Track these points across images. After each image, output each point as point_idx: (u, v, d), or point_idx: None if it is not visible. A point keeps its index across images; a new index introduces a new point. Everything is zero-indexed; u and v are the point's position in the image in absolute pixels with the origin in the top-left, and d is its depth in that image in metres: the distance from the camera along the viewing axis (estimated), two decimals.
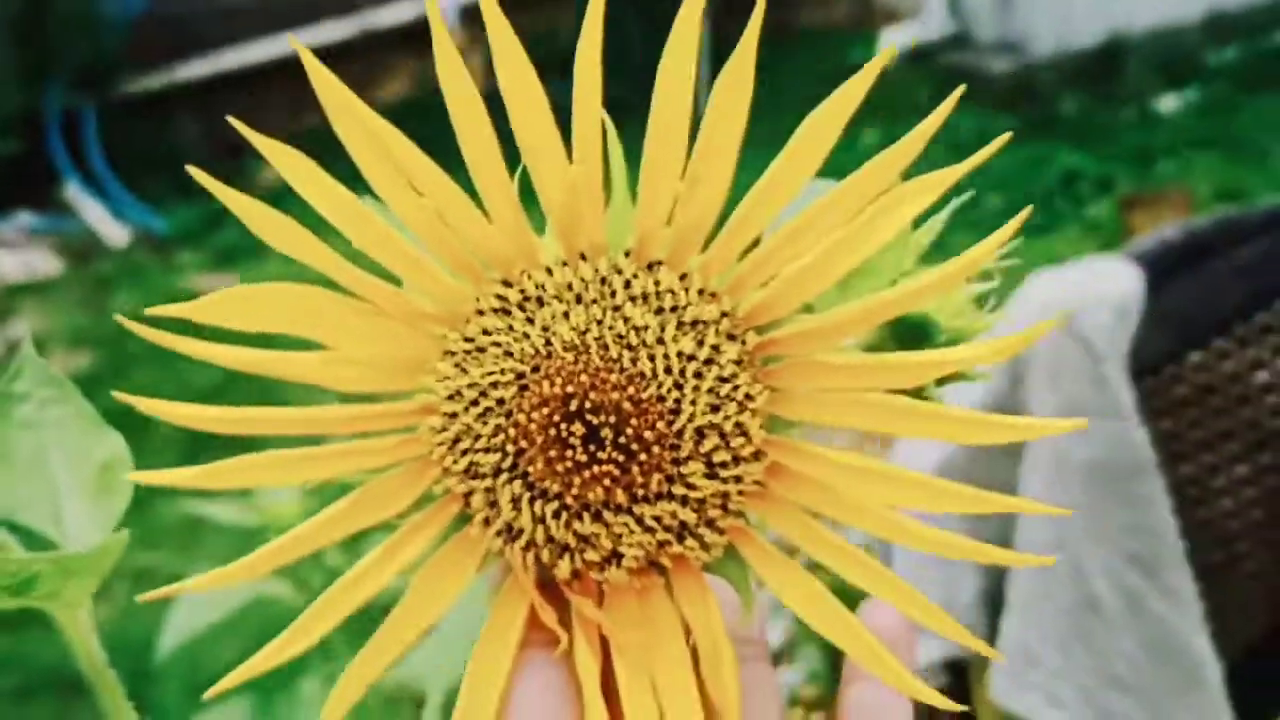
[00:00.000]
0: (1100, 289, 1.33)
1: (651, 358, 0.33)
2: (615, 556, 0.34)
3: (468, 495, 0.35)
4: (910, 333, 0.40)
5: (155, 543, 2.57)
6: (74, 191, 5.61)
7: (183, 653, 2.61)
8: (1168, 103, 4.62)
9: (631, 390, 0.33)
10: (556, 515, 0.34)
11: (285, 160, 0.34)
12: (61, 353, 4.16)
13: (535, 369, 0.33)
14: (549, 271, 0.34)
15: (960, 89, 0.33)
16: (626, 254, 0.34)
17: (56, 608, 0.50)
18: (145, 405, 0.35)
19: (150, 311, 0.35)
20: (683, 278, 0.34)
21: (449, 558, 0.36)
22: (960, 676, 1.47)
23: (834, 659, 1.99)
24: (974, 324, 0.40)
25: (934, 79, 5.25)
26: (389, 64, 5.79)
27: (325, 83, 0.33)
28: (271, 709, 1.29)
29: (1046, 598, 1.33)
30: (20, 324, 4.45)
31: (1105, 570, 1.32)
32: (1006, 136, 0.33)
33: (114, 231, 5.33)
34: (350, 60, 5.55)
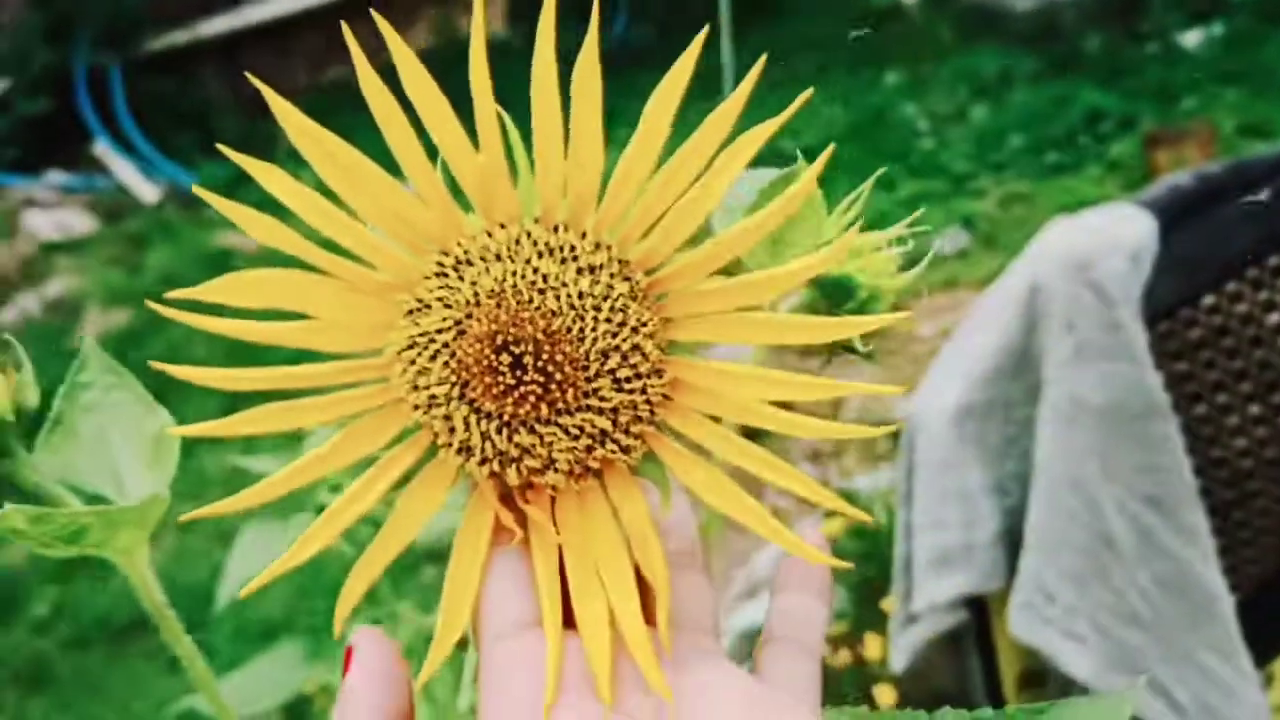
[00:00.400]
0: (1114, 235, 1.35)
1: (557, 296, 0.41)
2: (551, 463, 0.42)
3: (432, 426, 0.43)
4: (834, 290, 0.49)
5: (201, 494, 2.65)
6: (104, 149, 5.66)
7: (233, 599, 2.70)
8: (1191, 38, 4.58)
9: (543, 324, 0.41)
10: (499, 431, 0.42)
11: (264, 174, 0.42)
12: (98, 311, 4.23)
13: (468, 315, 0.41)
14: (474, 239, 0.42)
15: (761, 60, 0.39)
16: (536, 220, 0.42)
17: (111, 554, 0.58)
18: (176, 371, 0.43)
19: (169, 296, 0.41)
20: (583, 236, 0.42)
21: (425, 481, 0.44)
22: (980, 612, 1.51)
23: (859, 597, 2.05)
24: (892, 282, 0.49)
25: (956, 17, 5.21)
26: (414, 15, 5.80)
27: (282, 108, 0.41)
28: (322, 649, 1.35)
29: (1063, 536, 1.37)
30: (57, 283, 4.52)
31: (1120, 509, 1.36)
32: (805, 95, 0.39)
33: (144, 189, 5.38)
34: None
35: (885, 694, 1.71)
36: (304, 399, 0.43)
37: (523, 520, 0.43)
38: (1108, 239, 1.35)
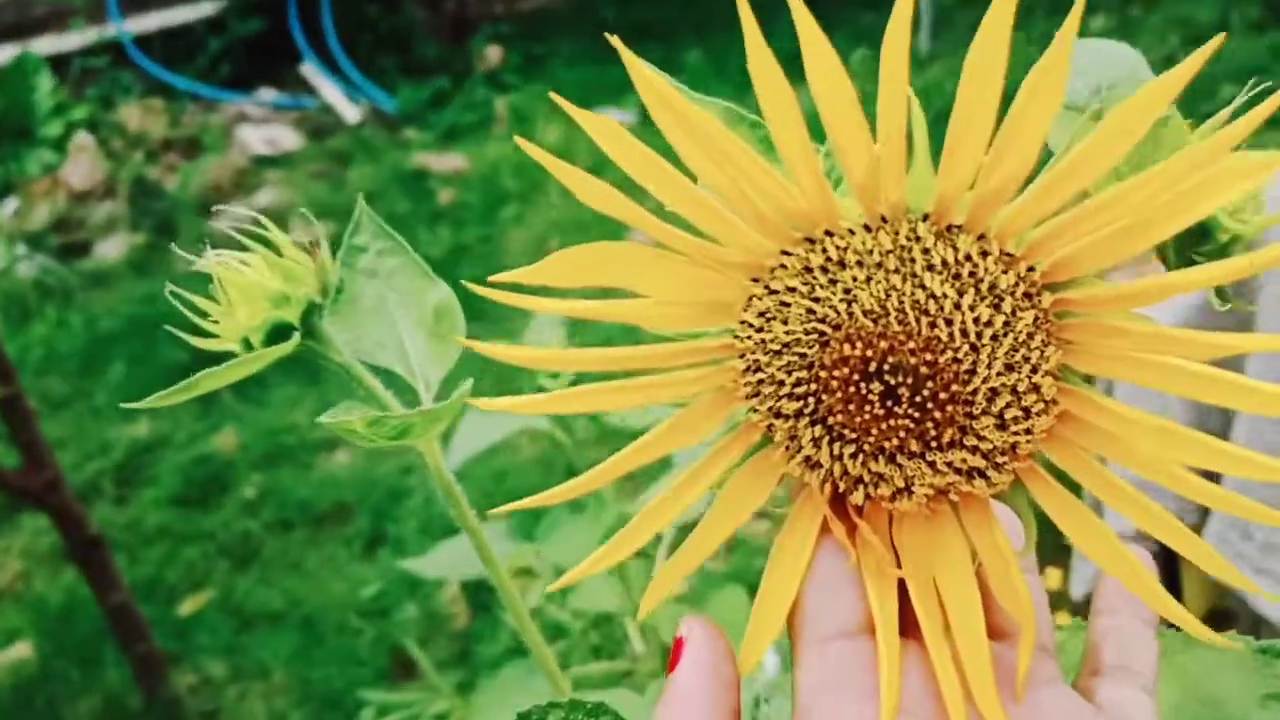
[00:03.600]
0: None
1: (949, 322, 0.34)
2: (906, 491, 0.37)
3: (771, 430, 0.38)
4: (1192, 231, 0.42)
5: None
6: (311, 70, 5.88)
7: (421, 497, 2.83)
8: None
9: (929, 355, 0.34)
10: (854, 456, 0.37)
11: (600, 128, 0.35)
12: (302, 223, 4.44)
13: (836, 328, 0.35)
14: (851, 232, 0.35)
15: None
16: (925, 217, 0.35)
17: (420, 443, 0.58)
18: (505, 355, 0.39)
19: (494, 279, 0.38)
20: (980, 237, 0.35)
21: (749, 475, 0.39)
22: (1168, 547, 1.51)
23: (1040, 530, 2.04)
24: (1255, 221, 0.42)
25: None
26: None
27: (642, 76, 0.35)
28: (530, 530, 1.43)
29: None
30: (266, 194, 4.76)
31: None
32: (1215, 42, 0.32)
33: (347, 108, 5.58)
34: None
35: (1061, 620, 1.72)
36: (634, 379, 0.39)
37: (853, 529, 0.38)
38: None
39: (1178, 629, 0.40)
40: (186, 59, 5.96)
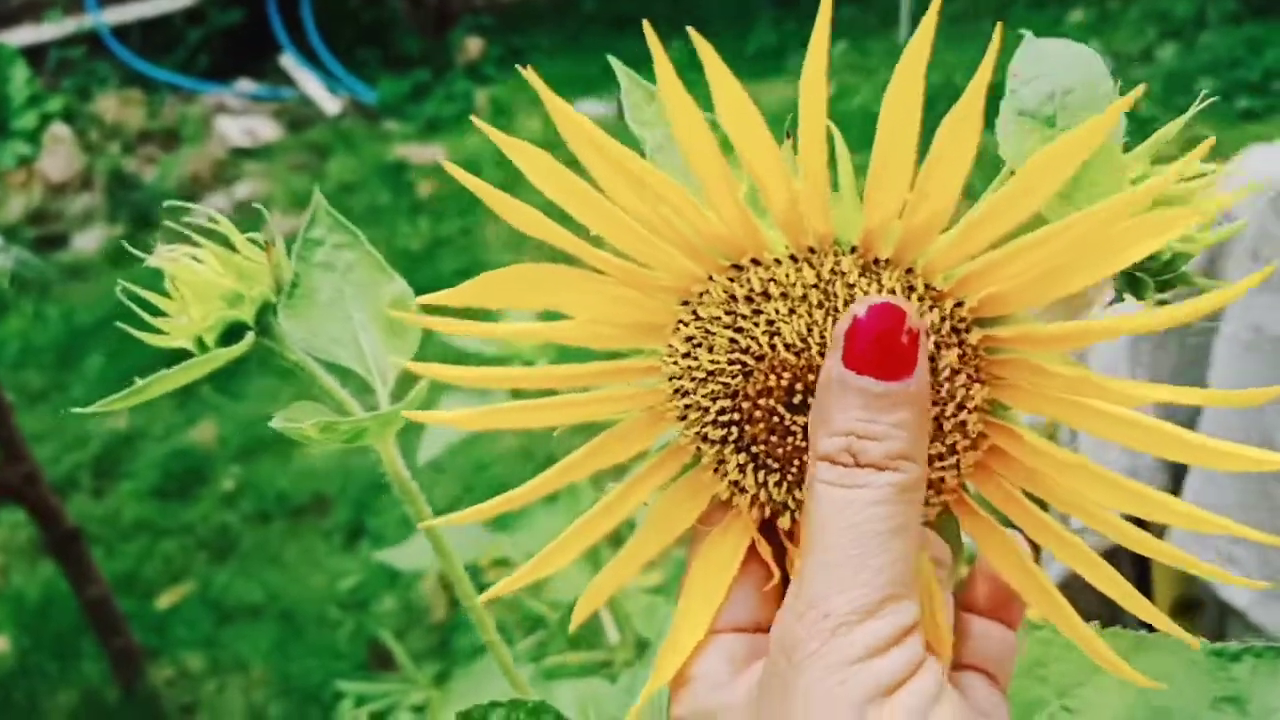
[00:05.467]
0: None
1: None
2: None
3: (700, 454, 0.39)
4: None
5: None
6: (290, 61, 5.85)
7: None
8: None
9: None
10: (778, 484, 0.37)
11: (524, 156, 0.36)
12: (280, 214, 4.42)
13: (759, 359, 0.36)
14: (777, 262, 0.36)
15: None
16: (853, 249, 0.35)
17: (376, 443, 0.58)
18: (426, 370, 0.40)
19: (422, 301, 0.39)
20: (908, 271, 0.35)
21: (680, 493, 0.40)
22: None
23: None
24: (1201, 238, 0.43)
25: None
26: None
27: (560, 111, 0.35)
28: (500, 525, 1.44)
29: None
30: (244, 186, 4.74)
31: None
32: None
33: (327, 100, 5.56)
34: None
35: (1032, 612, 1.73)
36: (565, 396, 0.39)
37: (781, 555, 0.39)
38: None
39: (1132, 629, 0.42)
40: (165, 50, 5.92)
